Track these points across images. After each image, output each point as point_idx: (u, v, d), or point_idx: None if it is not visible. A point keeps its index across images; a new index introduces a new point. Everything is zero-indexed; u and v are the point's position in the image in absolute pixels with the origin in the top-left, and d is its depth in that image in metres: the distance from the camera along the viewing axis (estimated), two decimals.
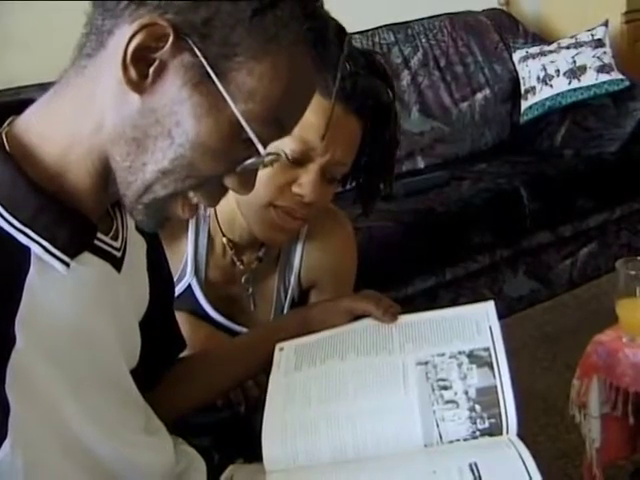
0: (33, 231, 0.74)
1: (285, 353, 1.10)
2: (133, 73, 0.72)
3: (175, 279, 1.25)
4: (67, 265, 0.76)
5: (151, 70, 0.72)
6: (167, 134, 0.74)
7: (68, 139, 0.77)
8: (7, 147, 0.76)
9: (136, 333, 0.93)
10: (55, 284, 0.76)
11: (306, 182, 1.17)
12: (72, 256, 0.77)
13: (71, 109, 0.77)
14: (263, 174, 1.15)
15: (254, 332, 1.25)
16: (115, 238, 0.85)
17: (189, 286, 1.28)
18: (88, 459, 0.80)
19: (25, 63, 2.61)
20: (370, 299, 1.12)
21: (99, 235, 0.82)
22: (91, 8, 0.76)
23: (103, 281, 0.83)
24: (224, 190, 0.81)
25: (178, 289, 1.26)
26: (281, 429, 0.98)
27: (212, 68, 0.72)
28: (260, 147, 0.76)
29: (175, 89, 0.73)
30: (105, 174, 0.78)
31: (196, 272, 1.28)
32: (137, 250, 0.93)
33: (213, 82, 0.73)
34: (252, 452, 1.00)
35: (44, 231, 0.74)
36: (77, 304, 0.79)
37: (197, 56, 0.72)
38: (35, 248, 0.74)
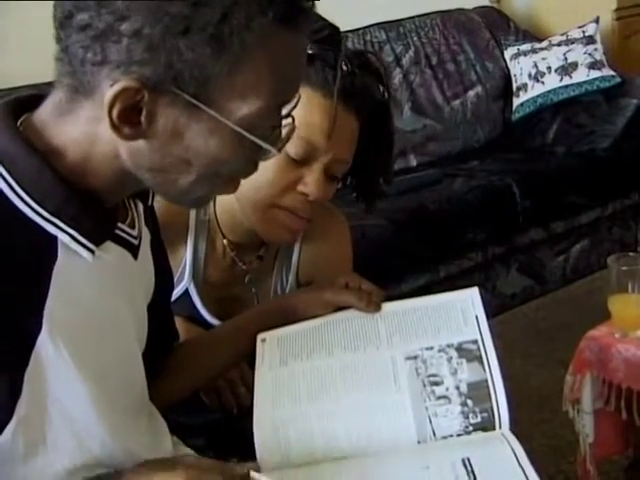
0: (61, 221, 0.77)
1: (268, 345, 1.09)
2: (126, 129, 0.74)
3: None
4: (92, 252, 0.79)
5: (142, 118, 0.74)
6: (182, 160, 0.77)
7: (86, 154, 0.79)
8: (31, 142, 0.78)
9: (145, 319, 0.97)
10: (81, 271, 0.79)
11: (311, 181, 1.18)
12: (97, 244, 0.80)
13: (82, 136, 0.78)
14: (267, 175, 1.16)
15: (238, 318, 1.25)
16: (132, 226, 0.89)
17: (186, 290, 1.28)
18: (96, 447, 0.81)
19: (19, 63, 2.60)
20: (352, 291, 1.12)
21: (119, 224, 0.85)
22: (60, 48, 0.76)
23: (123, 268, 0.86)
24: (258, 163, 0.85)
25: (175, 293, 1.27)
26: (272, 427, 0.98)
27: (195, 98, 0.74)
28: (268, 147, 0.79)
29: (171, 125, 0.75)
30: (125, 179, 0.81)
31: (194, 276, 1.28)
32: (145, 240, 0.96)
33: (202, 109, 0.74)
34: (246, 451, 1.00)
35: (71, 221, 0.77)
36: (101, 290, 0.82)
37: (177, 94, 0.73)
38: (63, 237, 0.77)
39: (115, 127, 0.74)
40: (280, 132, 0.84)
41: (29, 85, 2.39)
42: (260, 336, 1.11)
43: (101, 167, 0.79)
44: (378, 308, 1.09)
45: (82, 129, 0.77)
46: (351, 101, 1.17)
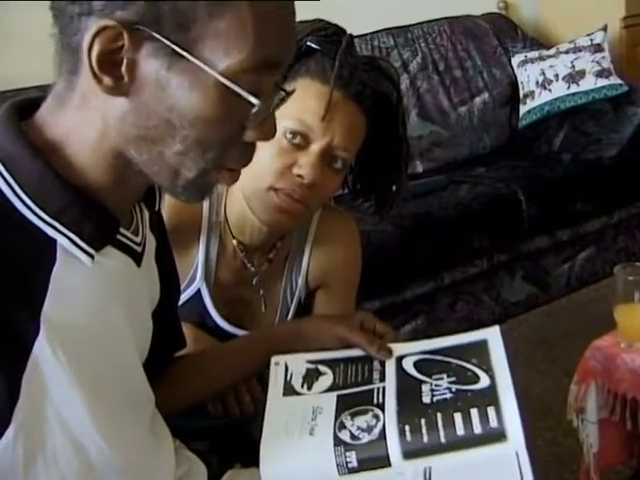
0: (61, 224, 0.76)
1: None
2: (108, 80, 0.73)
3: (185, 284, 1.26)
4: (92, 257, 0.78)
5: (123, 70, 0.73)
6: (165, 122, 0.75)
7: (81, 145, 0.78)
8: (33, 142, 0.77)
9: (149, 326, 0.95)
10: (80, 276, 0.78)
11: (305, 163, 1.19)
12: (97, 249, 0.78)
13: (76, 123, 0.78)
14: (265, 160, 1.18)
15: (248, 336, 1.25)
16: (136, 233, 0.87)
17: (198, 291, 1.28)
18: (93, 453, 0.80)
19: (25, 64, 2.61)
20: (364, 333, 1.09)
21: (122, 230, 0.84)
22: (55, 27, 0.77)
23: (125, 274, 0.85)
24: (251, 147, 0.82)
25: (187, 294, 1.27)
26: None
27: (177, 45, 0.72)
28: (252, 99, 0.75)
29: (153, 78, 0.73)
30: (124, 169, 0.79)
31: (206, 277, 1.29)
32: (150, 247, 0.95)
33: (185, 58, 0.73)
34: (249, 456, 0.99)
35: (71, 224, 0.76)
36: (99, 296, 0.81)
37: (159, 41, 0.72)
38: (62, 240, 0.76)
39: (96, 76, 0.72)
40: (269, 94, 0.80)
41: (34, 87, 2.41)
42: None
43: (94, 154, 0.78)
44: (389, 355, 1.06)
45: (76, 112, 0.77)
46: (350, 89, 1.19)
